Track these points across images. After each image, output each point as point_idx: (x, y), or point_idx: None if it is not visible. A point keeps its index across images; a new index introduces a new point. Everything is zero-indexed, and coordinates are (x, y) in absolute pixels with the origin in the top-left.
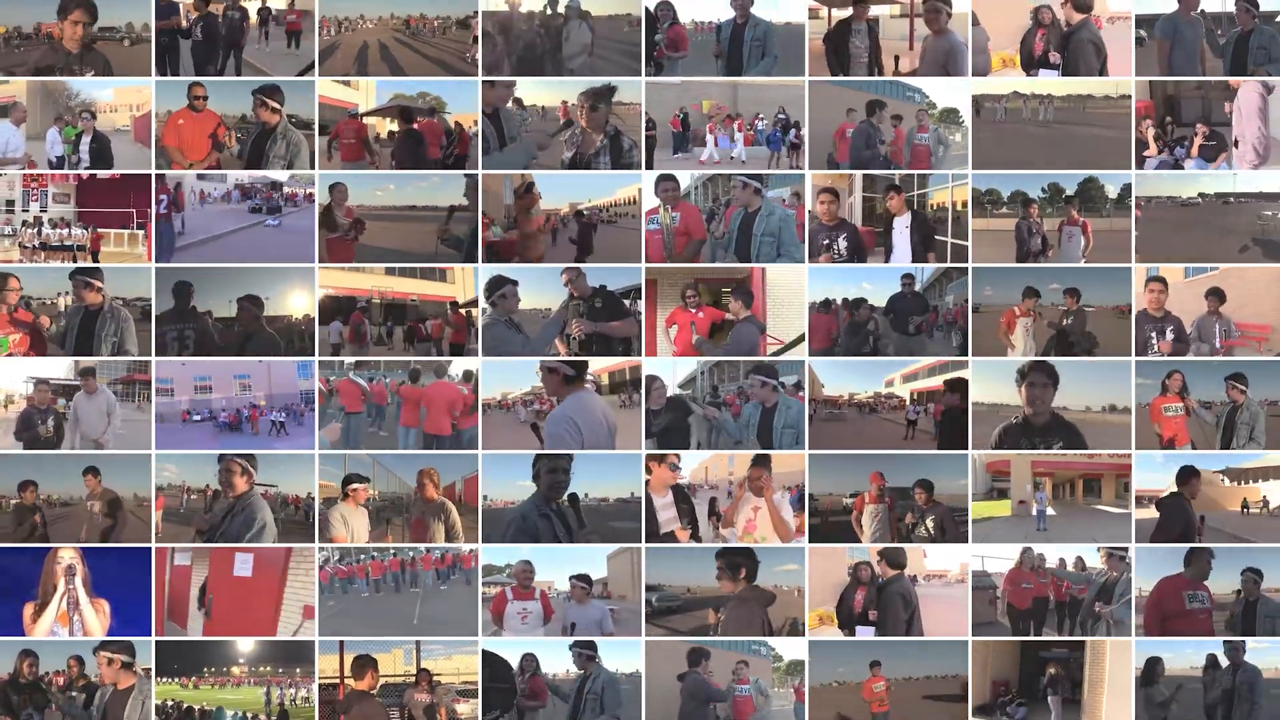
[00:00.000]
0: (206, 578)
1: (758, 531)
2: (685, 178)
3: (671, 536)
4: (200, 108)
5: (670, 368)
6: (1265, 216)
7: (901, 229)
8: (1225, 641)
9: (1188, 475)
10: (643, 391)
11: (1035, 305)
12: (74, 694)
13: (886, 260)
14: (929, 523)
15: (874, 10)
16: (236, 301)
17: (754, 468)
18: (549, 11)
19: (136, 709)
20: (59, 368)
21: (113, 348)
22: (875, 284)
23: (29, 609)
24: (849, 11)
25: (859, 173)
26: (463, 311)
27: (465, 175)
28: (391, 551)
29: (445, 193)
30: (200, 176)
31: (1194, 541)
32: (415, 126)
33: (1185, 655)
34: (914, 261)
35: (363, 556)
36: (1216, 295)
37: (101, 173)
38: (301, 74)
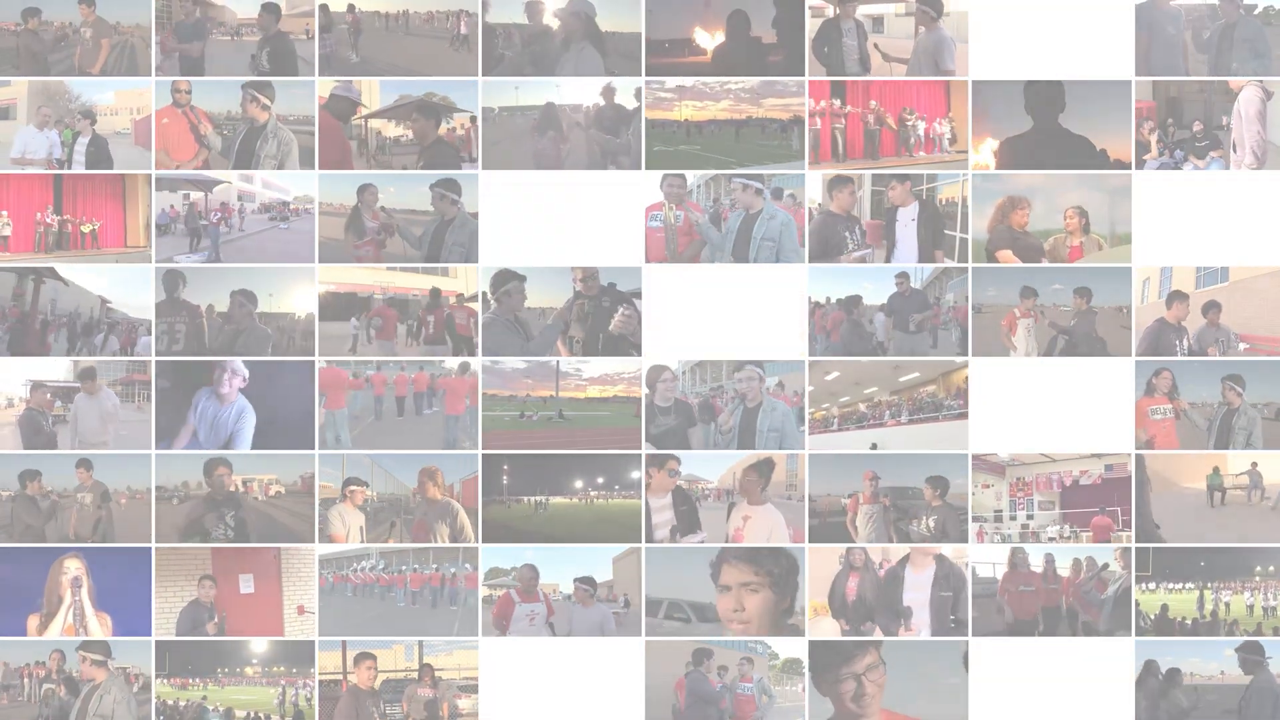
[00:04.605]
0: (215, 596)
1: (745, 543)
2: (688, 176)
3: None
4: (184, 102)
5: None
6: None
7: (906, 222)
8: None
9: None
10: (643, 385)
11: (1035, 305)
12: (51, 686)
13: (888, 257)
14: (929, 522)
15: (878, 9)
16: (230, 295)
17: (747, 471)
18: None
19: (97, 702)
20: (58, 369)
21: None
22: (873, 283)
23: (34, 620)
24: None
25: (868, 171)
26: (469, 305)
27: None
28: (434, 566)
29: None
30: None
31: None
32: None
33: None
34: (920, 259)
35: (403, 567)
36: (1215, 308)
37: (104, 173)
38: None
